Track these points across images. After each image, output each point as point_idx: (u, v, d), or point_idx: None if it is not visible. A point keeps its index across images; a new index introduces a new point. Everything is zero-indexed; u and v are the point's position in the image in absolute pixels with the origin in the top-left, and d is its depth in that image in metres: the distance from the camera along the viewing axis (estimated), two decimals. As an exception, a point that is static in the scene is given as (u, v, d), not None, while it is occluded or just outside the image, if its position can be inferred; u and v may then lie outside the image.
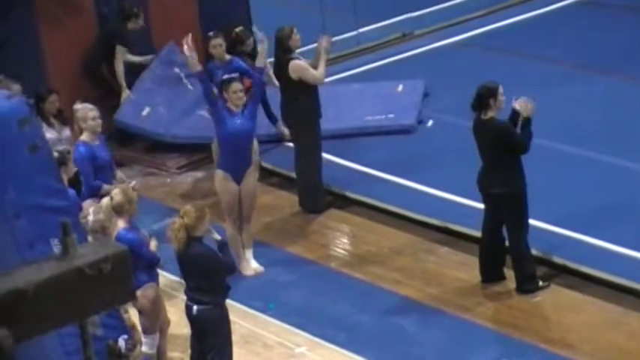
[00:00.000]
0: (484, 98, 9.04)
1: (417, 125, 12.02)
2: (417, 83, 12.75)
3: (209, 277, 8.01)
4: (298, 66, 10.54)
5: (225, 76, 9.92)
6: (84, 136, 9.48)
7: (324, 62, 10.59)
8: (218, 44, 11.14)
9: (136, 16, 12.07)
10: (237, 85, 9.61)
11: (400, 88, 12.68)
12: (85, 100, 10.10)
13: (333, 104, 11.58)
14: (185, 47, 9.60)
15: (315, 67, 10.52)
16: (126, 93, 12.10)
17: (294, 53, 10.70)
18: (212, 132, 11.30)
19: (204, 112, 12.18)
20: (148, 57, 12.32)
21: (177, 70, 12.35)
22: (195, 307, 8.01)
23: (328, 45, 10.72)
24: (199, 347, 8.11)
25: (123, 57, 12.05)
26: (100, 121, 9.52)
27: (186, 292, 8.18)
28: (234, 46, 11.54)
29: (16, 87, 9.90)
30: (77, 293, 3.32)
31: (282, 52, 10.65)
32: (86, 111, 9.52)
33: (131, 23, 12.07)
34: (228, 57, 11.21)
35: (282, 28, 10.65)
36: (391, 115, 12.07)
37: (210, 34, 11.41)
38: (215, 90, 11.03)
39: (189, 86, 12.44)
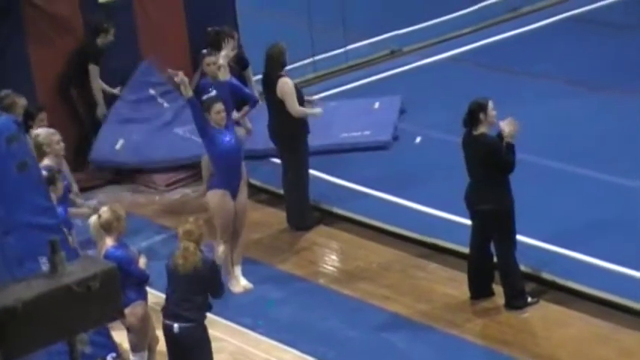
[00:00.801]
0: (475, 113, 9.06)
1: (392, 141, 12.11)
2: (394, 99, 12.86)
3: (206, 295, 7.98)
4: (286, 87, 10.56)
5: (205, 97, 9.91)
6: (47, 161, 9.15)
7: (309, 111, 10.64)
8: (212, 62, 11.15)
9: (106, 31, 11.93)
10: (219, 106, 9.63)
11: (377, 105, 12.78)
12: (50, 125, 10.07)
13: (309, 122, 11.61)
14: (177, 76, 9.59)
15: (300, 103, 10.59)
16: (103, 109, 12.00)
17: (284, 70, 10.74)
18: (190, 151, 11.31)
19: (179, 130, 12.23)
20: (117, 89, 12.22)
21: (152, 91, 12.39)
22: (176, 325, 7.93)
23: (318, 115, 10.77)
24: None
25: (97, 75, 11.94)
26: (63, 145, 9.43)
27: (165, 310, 8.06)
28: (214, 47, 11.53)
29: (22, 101, 9.90)
30: (66, 311, 3.31)
31: (274, 68, 10.68)
32: (50, 135, 9.39)
33: (100, 39, 11.98)
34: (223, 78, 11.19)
35: (276, 45, 10.70)
36: (367, 132, 12.17)
37: (204, 51, 11.41)
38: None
39: (165, 104, 12.49)
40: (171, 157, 11.99)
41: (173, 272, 8.02)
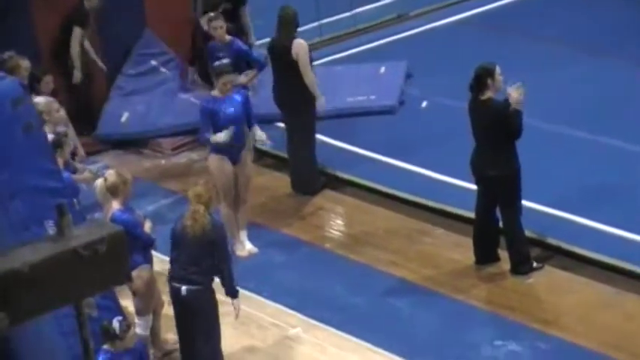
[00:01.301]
0: (482, 78, 9.02)
1: (398, 106, 12.09)
2: (400, 64, 12.82)
3: (214, 258, 7.98)
4: (303, 48, 10.54)
5: (217, 63, 9.87)
6: (47, 129, 9.03)
7: (316, 90, 10.56)
8: (219, 26, 11.12)
9: None
10: (228, 78, 9.62)
11: (382, 69, 12.75)
12: (54, 90, 9.97)
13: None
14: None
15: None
16: (79, 74, 11.94)
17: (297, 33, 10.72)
18: (196, 116, 11.27)
19: (184, 96, 12.23)
20: (100, 64, 12.06)
21: (153, 62, 12.35)
22: (184, 288, 7.94)
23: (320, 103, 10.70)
24: (187, 329, 8.05)
25: (79, 39, 11.82)
26: (63, 113, 9.37)
27: (172, 273, 8.07)
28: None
29: (26, 63, 9.84)
30: (73, 274, 3.30)
31: (288, 31, 10.63)
32: (49, 104, 9.35)
33: (87, 1, 11.90)
34: (228, 38, 11.19)
35: (288, 7, 10.67)
36: (372, 97, 12.15)
37: (211, 14, 11.38)
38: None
39: (168, 72, 12.47)
40: (178, 123, 11.99)
41: (181, 235, 8.02)
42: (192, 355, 8.10)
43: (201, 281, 7.97)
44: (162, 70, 12.51)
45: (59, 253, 3.28)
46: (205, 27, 11.67)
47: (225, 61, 9.81)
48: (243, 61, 11.04)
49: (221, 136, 9.51)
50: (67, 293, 3.34)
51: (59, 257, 3.29)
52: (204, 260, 7.96)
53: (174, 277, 8.05)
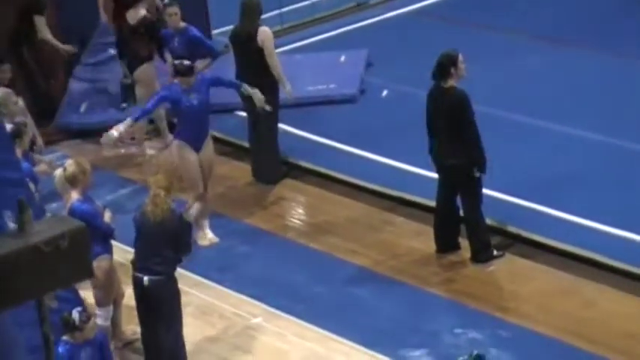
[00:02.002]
0: (445, 66, 9.02)
1: (359, 95, 12.10)
2: (360, 53, 12.83)
3: (175, 248, 7.96)
4: (268, 35, 10.54)
5: (177, 62, 9.77)
6: (5, 120, 8.95)
7: (283, 78, 10.57)
8: (173, 12, 11.08)
9: None
10: (188, 79, 9.53)
11: (343, 58, 12.76)
12: (11, 80, 9.85)
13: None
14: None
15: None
16: (67, 47, 11.76)
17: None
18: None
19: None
20: (68, 47, 11.93)
21: (112, 51, 12.26)
22: (146, 278, 7.93)
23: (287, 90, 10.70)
24: (149, 319, 8.04)
25: (44, 25, 11.64)
26: (21, 105, 9.26)
27: (134, 262, 8.05)
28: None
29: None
30: (34, 270, 3.28)
31: (253, 19, 10.60)
32: (6, 95, 9.26)
33: None
34: (182, 25, 11.14)
35: None
36: (333, 85, 12.15)
37: (166, 1, 11.32)
38: (168, 57, 11.04)
39: None
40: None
41: (142, 222, 8.00)
42: (154, 345, 8.09)
43: (163, 271, 7.95)
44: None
45: (21, 248, 3.25)
46: (131, 20, 11.48)
47: (187, 62, 9.69)
48: (197, 49, 10.96)
49: (113, 133, 9.42)
50: (29, 289, 3.32)
51: (21, 253, 3.26)
52: (165, 250, 7.93)
53: (136, 267, 8.03)
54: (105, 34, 12.34)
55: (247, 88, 9.99)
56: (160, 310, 7.97)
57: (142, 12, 11.43)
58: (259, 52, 10.50)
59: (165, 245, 7.93)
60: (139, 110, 10.10)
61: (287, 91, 10.69)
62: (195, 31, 11.15)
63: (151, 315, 8.02)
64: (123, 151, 11.72)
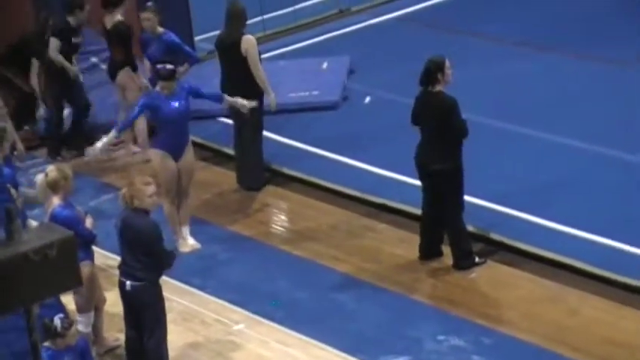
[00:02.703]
0: (432, 72, 9.02)
1: (341, 101, 12.11)
2: (342, 60, 12.85)
3: (148, 253, 7.93)
4: (252, 43, 10.53)
5: (159, 66, 9.73)
6: None
7: (268, 88, 10.57)
8: (146, 18, 11.02)
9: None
10: (170, 84, 9.52)
11: (325, 65, 12.76)
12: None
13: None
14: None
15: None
16: (73, 69, 11.70)
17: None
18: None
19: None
20: (75, 68, 11.71)
21: (94, 59, 12.22)
22: (128, 283, 7.95)
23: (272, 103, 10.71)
24: (133, 324, 8.06)
25: (56, 48, 11.61)
26: (5, 111, 9.18)
27: (120, 267, 8.09)
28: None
29: None
30: (23, 279, 3.26)
31: (238, 26, 10.58)
32: None
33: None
34: (160, 30, 11.09)
35: (237, 2, 10.62)
36: (315, 92, 12.15)
37: (149, 4, 11.24)
38: (146, 62, 11.01)
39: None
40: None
41: (121, 228, 7.99)
42: (136, 350, 8.07)
43: (145, 277, 7.94)
44: (103, 67, 12.39)
45: (9, 257, 3.23)
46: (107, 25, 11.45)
47: (169, 66, 9.64)
48: (176, 54, 10.90)
49: (97, 146, 9.54)
50: (17, 298, 3.29)
51: (9, 262, 3.23)
52: (144, 258, 7.93)
53: (121, 271, 8.08)
54: (88, 43, 12.26)
55: (228, 99, 9.97)
56: (142, 315, 7.98)
57: (118, 17, 11.39)
58: (243, 59, 10.48)
59: (142, 254, 7.92)
60: (121, 122, 10.10)
61: (270, 101, 10.67)
62: (173, 36, 11.09)
63: (135, 320, 8.04)
64: (104, 157, 11.67)
